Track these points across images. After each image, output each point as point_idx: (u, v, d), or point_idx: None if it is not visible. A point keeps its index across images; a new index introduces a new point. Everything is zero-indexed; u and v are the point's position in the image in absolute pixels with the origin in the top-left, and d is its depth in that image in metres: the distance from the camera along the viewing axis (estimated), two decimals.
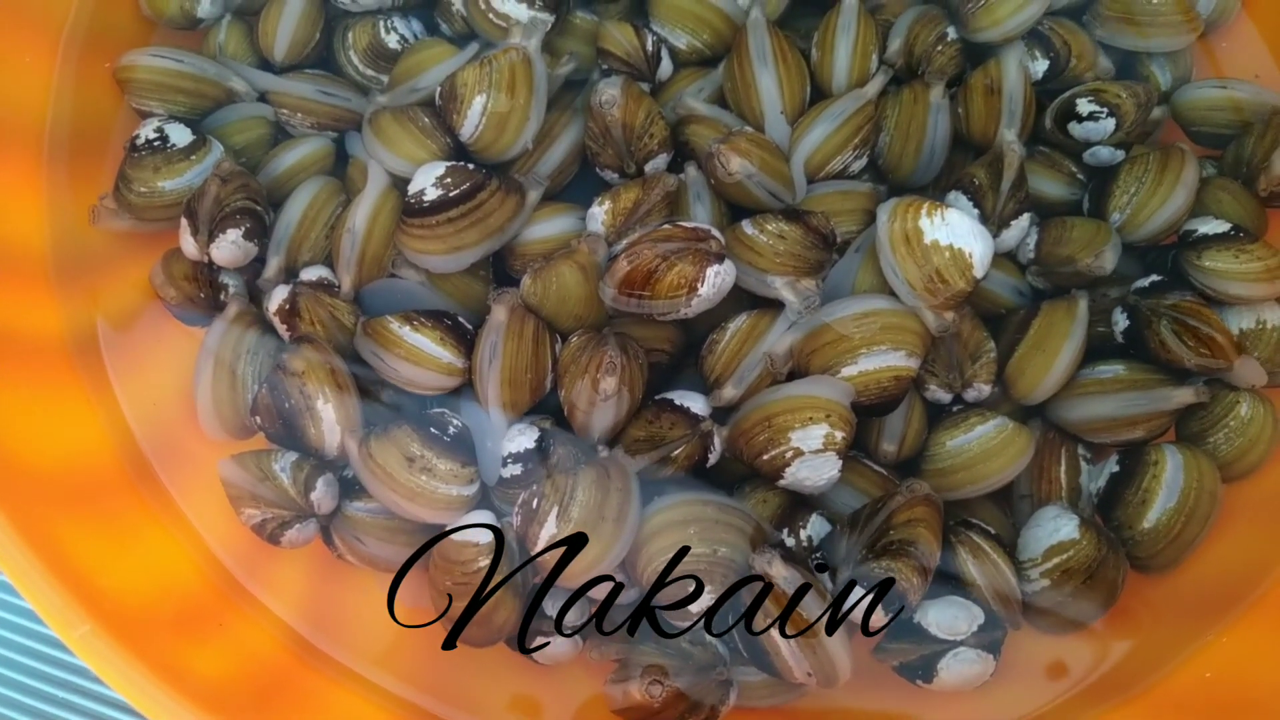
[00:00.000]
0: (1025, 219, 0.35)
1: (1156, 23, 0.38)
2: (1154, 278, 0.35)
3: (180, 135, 0.36)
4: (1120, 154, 0.37)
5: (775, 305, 0.34)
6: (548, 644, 0.32)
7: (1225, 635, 0.29)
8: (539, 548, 0.31)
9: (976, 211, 0.35)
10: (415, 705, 0.30)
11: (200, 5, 0.39)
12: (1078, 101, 0.37)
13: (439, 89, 0.36)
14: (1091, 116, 0.37)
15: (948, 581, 0.32)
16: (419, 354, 0.33)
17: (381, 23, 0.39)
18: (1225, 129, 0.39)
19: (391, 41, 0.39)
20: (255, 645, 0.29)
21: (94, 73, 0.37)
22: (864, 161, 0.37)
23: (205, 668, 0.26)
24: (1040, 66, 0.38)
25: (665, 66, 0.39)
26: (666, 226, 0.33)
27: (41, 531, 0.26)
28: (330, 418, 0.33)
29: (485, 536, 0.32)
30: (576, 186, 0.38)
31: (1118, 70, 0.40)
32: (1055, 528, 0.33)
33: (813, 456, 0.32)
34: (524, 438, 0.33)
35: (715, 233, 0.33)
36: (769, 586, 0.30)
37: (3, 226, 0.32)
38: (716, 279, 0.33)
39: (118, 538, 0.29)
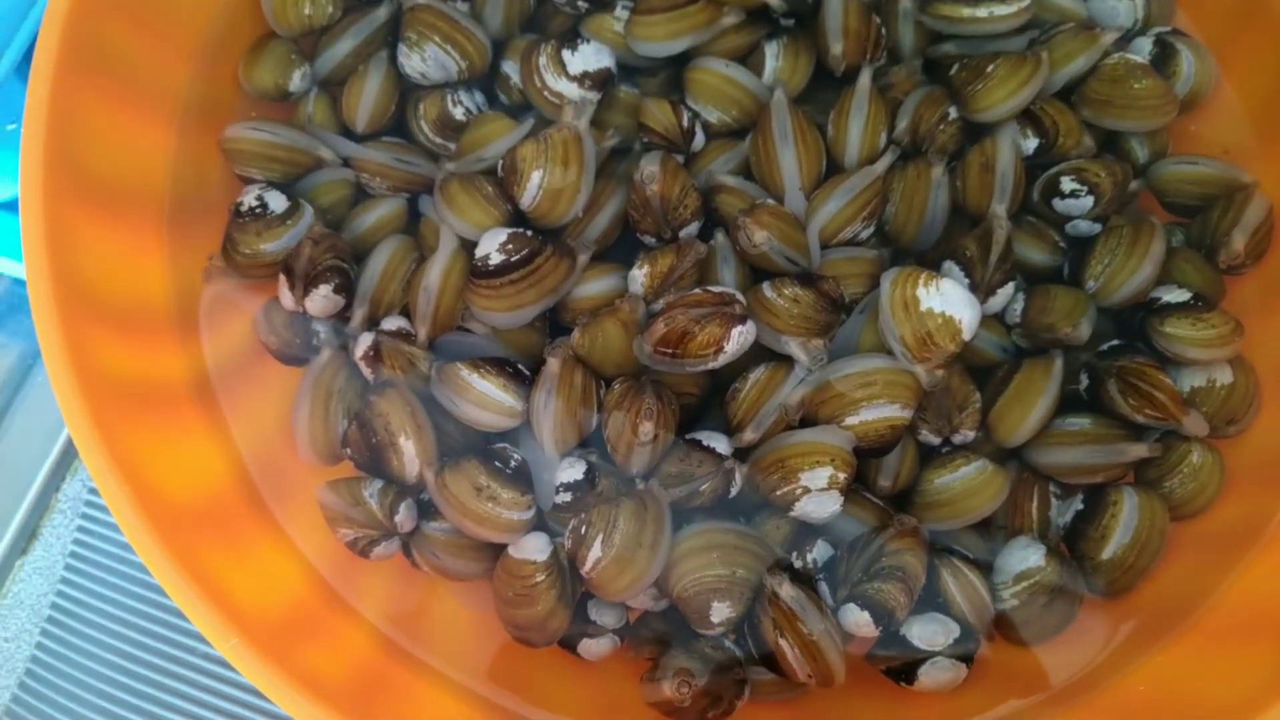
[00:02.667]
0: (1010, 287, 0.40)
1: (1136, 106, 0.43)
2: (1114, 342, 0.41)
3: (277, 202, 0.41)
4: (1098, 227, 0.42)
5: (790, 359, 0.39)
6: (592, 643, 0.39)
7: (1160, 655, 0.35)
8: (586, 567, 0.37)
9: (967, 280, 0.40)
10: (482, 696, 0.36)
11: (292, 81, 0.44)
12: (1061, 179, 0.42)
13: (501, 161, 0.42)
14: (1073, 194, 0.42)
15: (931, 599, 0.38)
16: (486, 399, 0.39)
17: (449, 96, 0.44)
18: (1194, 201, 0.43)
19: (458, 113, 0.44)
20: (356, 645, 0.35)
21: (203, 143, 0.43)
22: (871, 230, 0.42)
23: (320, 666, 0.32)
24: (1031, 144, 0.43)
25: (698, 139, 0.44)
26: (697, 291, 0.39)
27: (191, 558, 0.31)
28: (410, 452, 0.39)
29: (542, 555, 0.38)
30: (619, 246, 0.43)
31: (1102, 144, 0.45)
32: (1025, 556, 0.38)
33: (819, 494, 0.38)
34: (574, 470, 0.39)
35: (739, 296, 0.39)
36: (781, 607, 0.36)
37: (136, 287, 0.38)
38: (740, 338, 0.38)
39: (244, 558, 0.35)
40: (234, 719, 0.47)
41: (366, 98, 0.44)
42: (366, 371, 0.41)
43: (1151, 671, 0.35)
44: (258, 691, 0.30)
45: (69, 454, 0.51)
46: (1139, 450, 0.39)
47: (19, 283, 0.54)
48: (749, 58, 0.45)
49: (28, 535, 0.50)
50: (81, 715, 0.46)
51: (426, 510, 0.40)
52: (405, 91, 0.45)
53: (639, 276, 0.40)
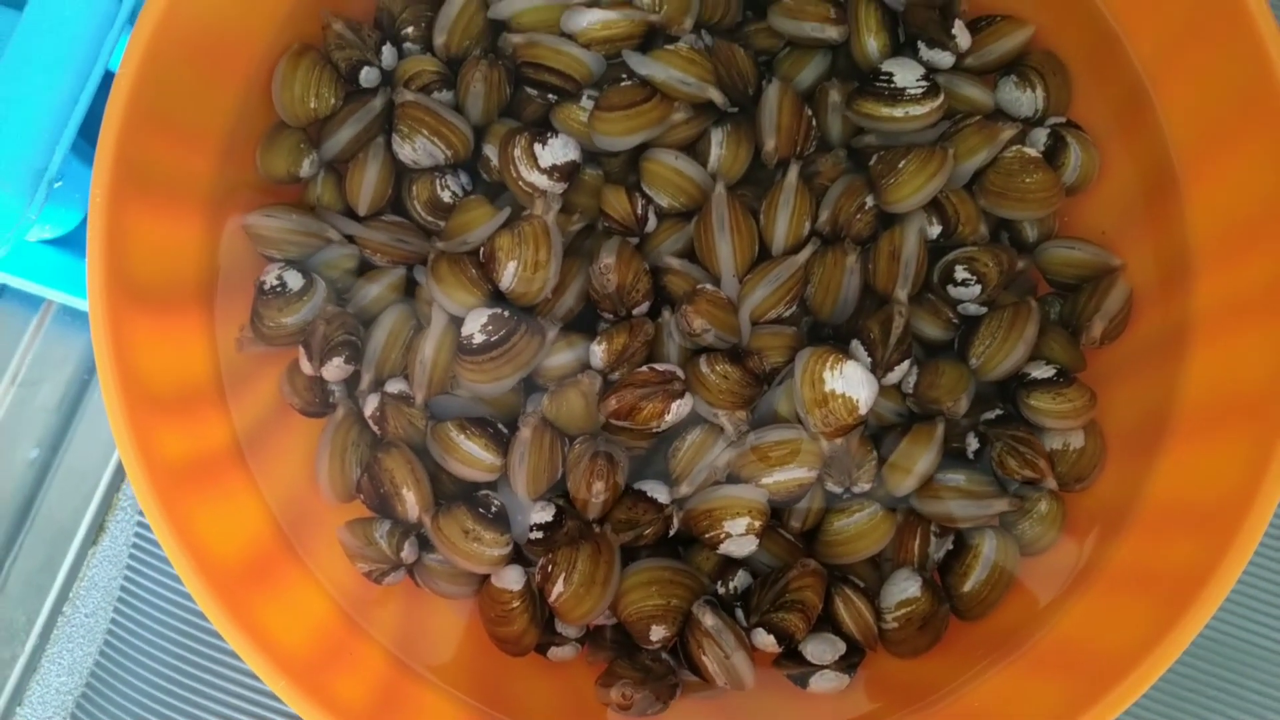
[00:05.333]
0: (905, 364, 0.48)
1: (1026, 199, 0.50)
2: (999, 410, 0.49)
3: (295, 280, 0.49)
4: (984, 309, 0.50)
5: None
6: (558, 649, 0.49)
7: (996, 675, 0.45)
8: (551, 599, 0.47)
9: (869, 359, 0.48)
10: (471, 699, 0.47)
11: (302, 168, 0.51)
12: (955, 268, 0.49)
13: (482, 248, 0.49)
14: (964, 282, 0.49)
15: (827, 619, 0.48)
16: (471, 458, 0.48)
17: (437, 180, 0.51)
18: (1071, 280, 0.51)
19: (445, 196, 0.51)
20: (374, 665, 0.45)
21: (229, 227, 0.50)
22: (794, 309, 0.50)
23: (349, 695, 0.42)
24: (935, 230, 0.50)
25: (651, 222, 0.51)
26: (644, 370, 0.47)
27: (244, 612, 0.41)
28: (411, 500, 0.48)
29: (517, 585, 0.47)
30: (582, 315, 0.51)
31: (999, 222, 0.52)
32: (905, 587, 0.48)
33: (739, 538, 0.47)
34: (544, 513, 0.48)
35: (679, 373, 0.47)
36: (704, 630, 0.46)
37: (185, 370, 0.46)
38: (678, 409, 0.47)
39: (285, 602, 0.44)
40: None
41: (367, 185, 0.51)
42: (374, 429, 0.50)
43: (987, 689, 0.45)
44: None
45: None
46: (1002, 505, 0.48)
47: (67, 309, 0.63)
48: (697, 143, 0.52)
49: (97, 528, 0.60)
50: (152, 680, 0.57)
51: (425, 543, 0.49)
52: (400, 172, 0.52)
53: (598, 352, 0.48)
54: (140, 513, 0.60)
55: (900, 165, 0.49)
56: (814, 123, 0.51)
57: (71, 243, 0.60)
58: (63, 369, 0.62)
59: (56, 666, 0.58)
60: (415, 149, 0.50)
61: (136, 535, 0.60)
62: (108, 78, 0.50)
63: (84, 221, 0.59)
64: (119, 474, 0.61)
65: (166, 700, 0.58)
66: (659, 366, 0.47)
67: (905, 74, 0.49)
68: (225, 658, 0.58)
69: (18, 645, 0.58)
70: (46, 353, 0.62)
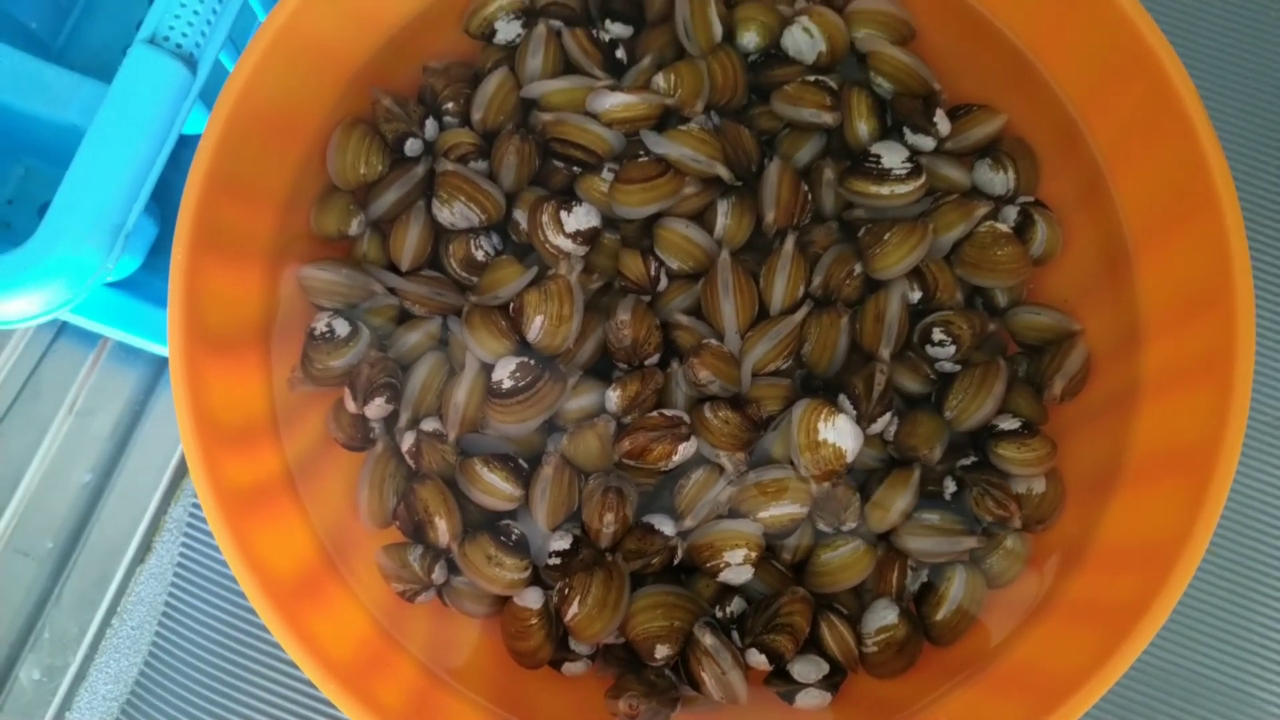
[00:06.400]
0: (887, 416, 0.54)
1: (998, 270, 0.56)
2: (973, 458, 0.55)
3: (342, 328, 0.55)
4: (958, 367, 0.56)
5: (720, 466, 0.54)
6: (571, 665, 0.54)
7: (962, 694, 0.50)
8: (566, 618, 0.52)
9: (855, 412, 0.54)
10: (493, 706, 0.52)
11: (351, 227, 0.57)
12: (933, 330, 0.55)
13: (511, 303, 0.55)
14: (940, 343, 0.55)
15: (814, 643, 0.54)
16: (494, 489, 0.53)
17: (471, 241, 0.57)
18: (1036, 342, 0.57)
19: (479, 255, 0.57)
20: (407, 673, 0.51)
21: (284, 279, 0.56)
22: (790, 363, 0.56)
23: (389, 700, 0.47)
24: (916, 295, 0.56)
25: (663, 282, 0.57)
26: (654, 416, 0.53)
27: (299, 625, 0.46)
28: (443, 528, 0.53)
29: (536, 605, 0.53)
30: (599, 366, 0.57)
31: (974, 289, 0.58)
32: (884, 615, 0.53)
33: (736, 567, 0.53)
34: (562, 541, 0.54)
35: (686, 418, 0.53)
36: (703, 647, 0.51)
37: (249, 409, 0.52)
38: (684, 451, 0.53)
39: (331, 616, 0.49)
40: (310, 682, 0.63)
41: (409, 243, 0.57)
42: (410, 463, 0.55)
43: (954, 706, 0.50)
44: None
45: (174, 484, 0.66)
46: (971, 542, 0.53)
47: (121, 345, 0.68)
48: (705, 213, 0.58)
49: (144, 548, 0.65)
50: (192, 689, 0.62)
51: (453, 566, 0.55)
52: (438, 232, 0.58)
53: (613, 398, 0.54)
54: (185, 534, 0.65)
55: (886, 237, 0.55)
56: (810, 197, 0.58)
57: (129, 285, 0.66)
58: (116, 400, 0.67)
59: (104, 675, 0.63)
60: (453, 212, 0.56)
61: (181, 555, 0.65)
62: (179, 141, 0.56)
63: (142, 266, 0.65)
64: (166, 498, 0.66)
65: (205, 707, 0.62)
66: (668, 412, 0.53)
67: (892, 156, 0.56)
68: (260, 669, 0.63)
69: (69, 655, 0.63)
70: (101, 385, 0.68)
